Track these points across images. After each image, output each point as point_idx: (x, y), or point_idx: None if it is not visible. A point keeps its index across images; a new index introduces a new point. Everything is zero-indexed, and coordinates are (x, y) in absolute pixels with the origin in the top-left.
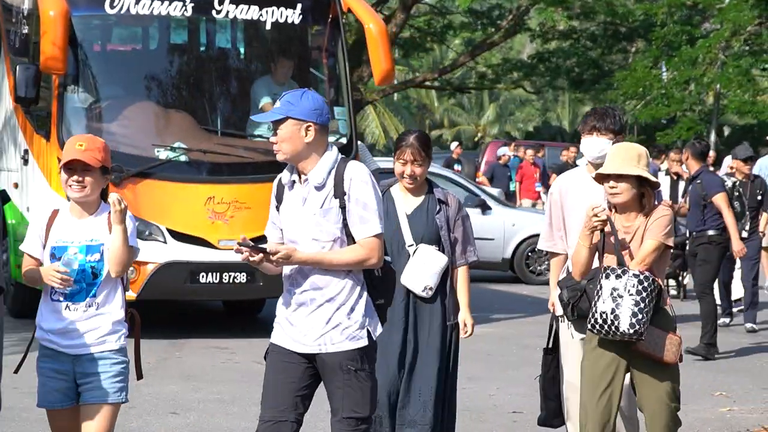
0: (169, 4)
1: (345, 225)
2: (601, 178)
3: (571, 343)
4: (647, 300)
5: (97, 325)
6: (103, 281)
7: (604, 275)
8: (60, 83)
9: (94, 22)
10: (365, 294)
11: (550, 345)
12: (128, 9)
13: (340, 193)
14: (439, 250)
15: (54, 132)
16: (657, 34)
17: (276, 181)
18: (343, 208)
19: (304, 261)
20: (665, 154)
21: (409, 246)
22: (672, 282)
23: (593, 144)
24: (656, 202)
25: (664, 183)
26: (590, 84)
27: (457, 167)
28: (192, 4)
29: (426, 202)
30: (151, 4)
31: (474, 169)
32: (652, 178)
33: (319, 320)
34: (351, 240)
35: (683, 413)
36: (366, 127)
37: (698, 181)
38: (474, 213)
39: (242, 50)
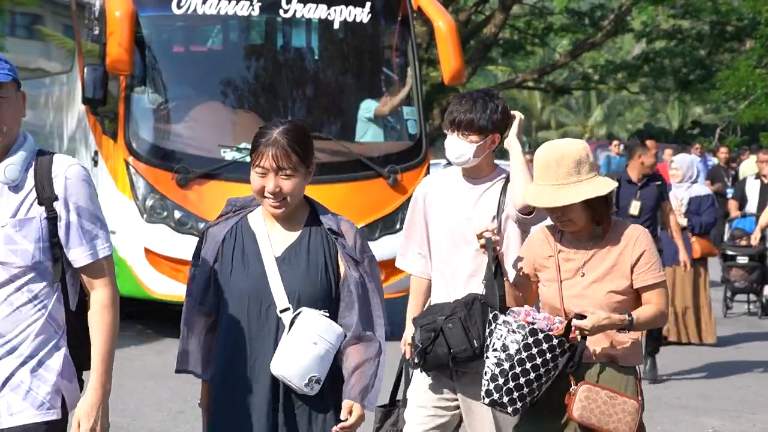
0: (236, 4)
1: (53, 246)
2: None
3: (421, 399)
4: (531, 364)
5: None
6: None
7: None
8: (127, 84)
9: (161, 22)
10: (65, 348)
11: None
12: (195, 9)
13: (47, 197)
14: (327, 315)
15: (121, 133)
16: (761, 32)
17: None
18: (52, 219)
19: (103, 391)
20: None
21: (282, 311)
22: (747, 297)
23: (452, 147)
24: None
25: (753, 188)
26: (697, 84)
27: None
28: (259, 4)
29: (306, 238)
30: (218, 4)
31: None
32: (607, 186)
33: None
34: (58, 266)
35: (751, 423)
36: None
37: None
38: None
39: (310, 50)
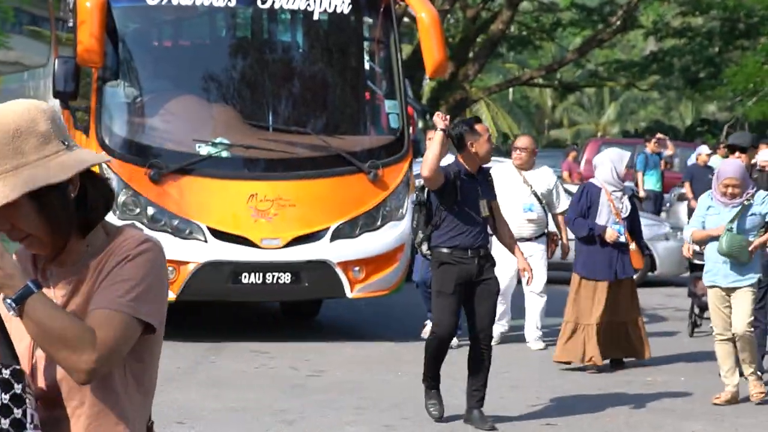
0: None
1: None
2: None
3: None
4: None
5: None
6: None
7: None
8: (99, 77)
9: (134, 13)
10: None
11: None
12: (170, 0)
13: None
14: None
15: (93, 127)
16: None
17: None
18: None
19: None
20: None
21: None
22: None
23: None
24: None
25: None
26: (706, 81)
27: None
28: None
29: None
30: None
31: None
32: (76, 164)
33: None
34: None
35: (734, 428)
36: None
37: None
38: None
39: (288, 42)
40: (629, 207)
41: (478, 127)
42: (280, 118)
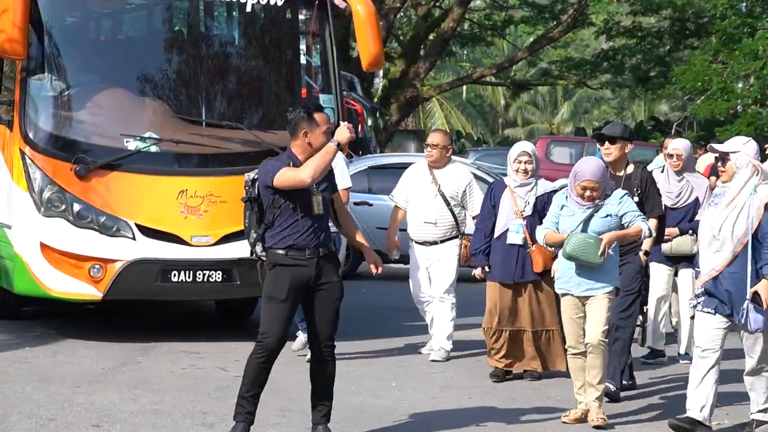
0: None
1: None
2: None
3: None
4: None
5: None
6: None
7: None
8: (23, 69)
9: (60, 3)
10: None
11: None
12: None
13: None
14: None
15: (17, 121)
16: (717, 26)
17: None
18: None
19: None
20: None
21: None
22: None
23: None
24: None
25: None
26: (656, 80)
27: None
28: None
29: None
30: None
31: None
32: None
33: None
34: None
35: (655, 428)
36: (433, 124)
37: None
38: None
39: (220, 35)
40: (532, 205)
41: (317, 116)
42: (211, 112)
